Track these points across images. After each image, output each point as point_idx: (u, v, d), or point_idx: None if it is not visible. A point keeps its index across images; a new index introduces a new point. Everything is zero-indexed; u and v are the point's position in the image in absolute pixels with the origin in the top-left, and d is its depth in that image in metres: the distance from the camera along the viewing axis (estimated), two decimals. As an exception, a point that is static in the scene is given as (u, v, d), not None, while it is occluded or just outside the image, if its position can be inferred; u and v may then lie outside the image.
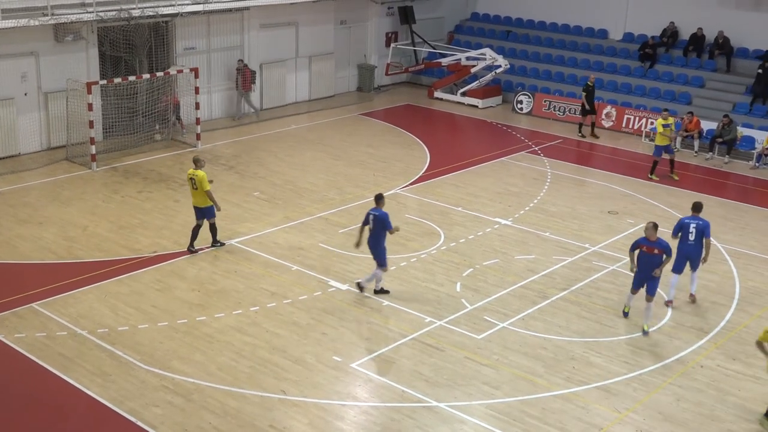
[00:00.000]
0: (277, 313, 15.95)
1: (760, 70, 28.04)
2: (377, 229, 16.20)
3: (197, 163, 18.22)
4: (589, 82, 29.15)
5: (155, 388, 13.40)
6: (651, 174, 24.72)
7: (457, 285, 17.37)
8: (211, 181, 18.37)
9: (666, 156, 24.70)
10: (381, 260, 16.42)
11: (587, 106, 29.02)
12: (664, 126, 24.45)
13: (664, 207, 22.42)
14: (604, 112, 30.24)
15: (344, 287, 17.02)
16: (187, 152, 25.57)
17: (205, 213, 18.39)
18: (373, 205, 16.53)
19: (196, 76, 25.97)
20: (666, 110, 25.99)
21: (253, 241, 19.22)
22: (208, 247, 18.63)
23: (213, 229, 18.67)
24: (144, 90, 26.06)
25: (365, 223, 16.42)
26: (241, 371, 13.95)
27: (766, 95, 28.43)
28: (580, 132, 29.20)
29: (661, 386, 14.03)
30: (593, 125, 29.31)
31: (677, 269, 16.55)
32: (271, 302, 16.35)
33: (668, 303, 16.72)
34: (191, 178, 18.11)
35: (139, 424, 12.49)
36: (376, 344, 14.94)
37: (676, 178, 24.67)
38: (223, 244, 18.79)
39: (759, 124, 27.81)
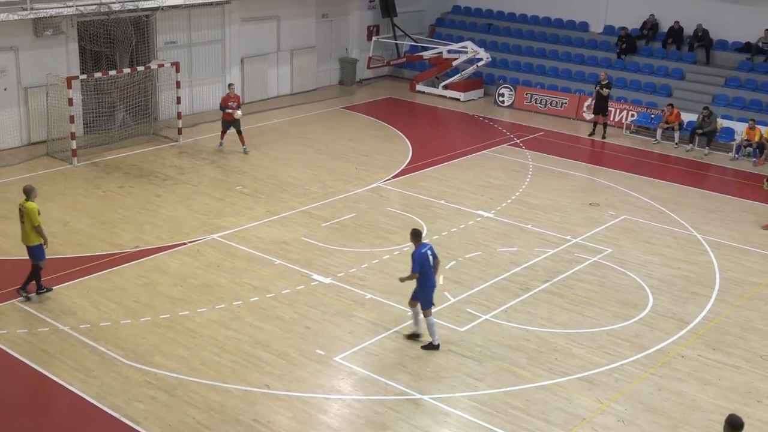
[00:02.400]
0: (260, 307, 15.94)
1: None
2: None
3: (28, 194, 15.66)
4: (600, 80, 28.23)
5: (138, 383, 13.38)
6: None
7: (439, 278, 17.40)
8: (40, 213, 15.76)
9: None
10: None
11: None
12: None
13: (646, 199, 22.56)
14: (585, 104, 30.34)
15: (327, 281, 17.03)
16: (168, 147, 25.49)
17: (31, 253, 15.65)
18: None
19: (177, 71, 25.86)
20: None
21: (235, 235, 19.19)
22: (24, 297, 15.85)
23: (35, 272, 15.80)
24: (125, 84, 25.92)
25: (428, 261, 14.43)
26: (224, 366, 13.95)
27: None
28: (593, 133, 28.41)
29: (642, 377, 14.13)
30: (604, 125, 28.31)
31: None
32: (254, 296, 16.35)
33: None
34: (20, 209, 15.63)
35: (122, 419, 12.47)
36: (360, 337, 14.97)
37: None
38: (50, 290, 16.04)
39: (738, 115, 28.00)
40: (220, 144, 25.54)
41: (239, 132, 25.11)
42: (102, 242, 18.59)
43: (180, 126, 26.09)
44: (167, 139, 26.15)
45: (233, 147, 25.67)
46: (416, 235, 14.45)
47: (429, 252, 14.35)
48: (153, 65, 26.01)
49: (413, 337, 14.89)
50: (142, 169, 23.46)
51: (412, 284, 16.25)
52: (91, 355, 14.12)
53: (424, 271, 14.28)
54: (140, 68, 25.49)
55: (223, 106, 25.00)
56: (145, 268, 17.43)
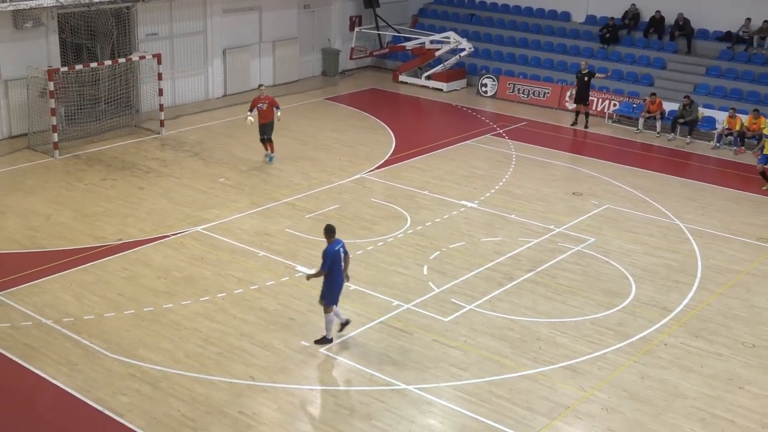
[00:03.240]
0: (245, 299, 15.92)
1: None
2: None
3: None
4: (581, 69, 28.42)
5: (122, 376, 13.35)
6: None
7: (423, 268, 17.45)
8: None
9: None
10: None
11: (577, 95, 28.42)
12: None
13: (628, 188, 22.66)
14: (568, 94, 30.41)
15: (311, 272, 17.00)
16: (150, 139, 25.38)
17: None
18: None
19: (159, 62, 25.73)
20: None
21: (219, 227, 19.15)
22: None
23: None
24: (106, 77, 25.79)
25: (339, 259, 14.07)
26: (208, 358, 13.93)
27: None
28: (576, 123, 28.50)
29: (625, 365, 14.22)
30: (586, 115, 28.38)
31: None
32: (239, 288, 16.32)
33: None
34: None
35: (107, 412, 12.44)
36: (344, 329, 14.97)
37: None
38: None
39: (719, 104, 28.15)
40: (270, 158, 23.48)
41: (270, 139, 23.46)
42: (85, 235, 18.51)
43: (162, 118, 25.98)
44: (149, 132, 26.03)
45: (215, 138, 25.59)
46: (329, 231, 13.99)
47: (341, 249, 13.95)
48: (134, 57, 25.87)
49: (343, 326, 14.55)
50: (125, 161, 23.35)
51: (396, 271, 16.34)
52: (75, 348, 14.07)
53: (333, 269, 13.87)
54: (121, 60, 25.34)
55: (253, 107, 23.18)
56: (128, 261, 17.37)
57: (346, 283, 14.44)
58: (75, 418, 12.41)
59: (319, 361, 14.01)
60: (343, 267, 14.09)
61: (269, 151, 23.49)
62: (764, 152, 23.45)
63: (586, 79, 28.04)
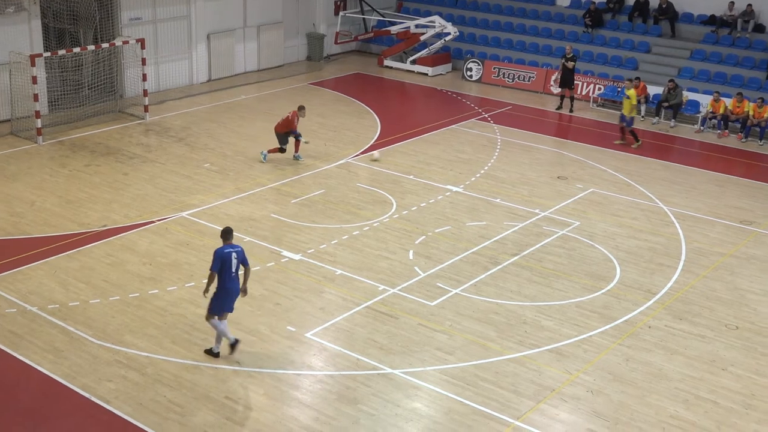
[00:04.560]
0: (230, 284, 15.90)
1: None
2: (238, 269, 13.29)
3: None
4: (566, 53, 28.44)
5: (108, 362, 13.33)
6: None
7: (409, 252, 17.48)
8: None
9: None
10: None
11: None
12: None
13: (613, 172, 22.74)
14: (553, 78, 30.44)
15: (297, 257, 17.03)
16: (134, 124, 25.26)
17: None
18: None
19: (143, 47, 25.59)
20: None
21: (204, 213, 19.11)
22: None
23: None
24: (90, 62, 25.63)
25: (229, 263, 13.11)
26: (194, 344, 13.93)
27: None
28: (561, 107, 28.67)
29: (610, 347, 14.31)
30: (572, 99, 28.52)
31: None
32: (224, 274, 16.29)
33: None
34: None
35: (93, 399, 12.43)
36: (330, 313, 15.01)
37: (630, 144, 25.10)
38: None
39: (704, 88, 28.23)
40: (298, 156, 22.59)
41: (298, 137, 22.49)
42: (69, 222, 18.44)
43: (146, 103, 25.84)
44: (133, 117, 25.90)
45: (200, 123, 25.50)
46: (224, 233, 13.27)
47: (234, 255, 13.02)
48: (118, 42, 25.71)
49: (233, 347, 13.46)
50: (109, 147, 23.24)
51: (382, 255, 16.38)
52: (60, 335, 14.04)
53: (223, 274, 12.99)
54: (105, 45, 25.18)
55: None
56: (113, 247, 17.32)
57: (251, 294, 13.61)
58: (61, 405, 12.39)
59: (305, 346, 14.04)
60: (241, 278, 13.20)
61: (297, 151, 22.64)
62: (623, 111, 24.85)
63: (571, 64, 28.08)
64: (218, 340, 13.55)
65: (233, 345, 13.47)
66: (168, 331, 14.28)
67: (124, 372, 13.10)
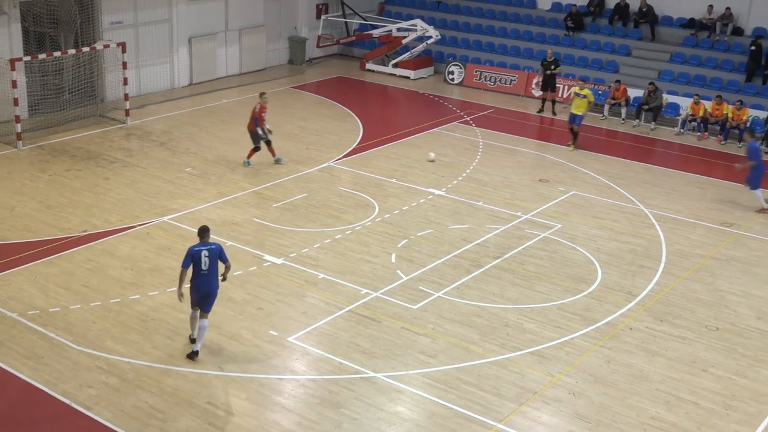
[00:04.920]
0: (212, 289, 15.85)
1: (753, 47, 28.08)
2: (214, 266, 13.46)
3: None
4: (547, 57, 28.62)
5: (89, 369, 13.26)
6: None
7: (392, 256, 17.49)
8: None
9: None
10: (212, 305, 13.71)
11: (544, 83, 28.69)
12: (576, 94, 24.84)
13: (594, 174, 22.84)
14: (534, 81, 30.55)
15: (279, 261, 17.00)
16: (115, 129, 25.15)
17: None
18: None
19: (124, 51, 25.49)
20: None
21: (186, 217, 19.04)
22: None
23: None
24: (70, 66, 25.51)
25: (200, 261, 13.33)
26: (176, 349, 13.87)
27: (754, 73, 28.44)
28: (542, 110, 28.65)
29: (592, 349, 14.37)
30: (553, 102, 28.64)
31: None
32: (206, 279, 16.24)
33: None
34: None
35: (74, 405, 12.36)
36: (313, 317, 14.99)
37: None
38: None
39: (683, 90, 28.42)
40: (280, 159, 22.58)
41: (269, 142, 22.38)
42: (49, 227, 18.33)
43: (127, 107, 25.74)
44: (114, 121, 25.79)
45: (181, 127, 25.42)
46: (199, 231, 13.58)
47: (205, 253, 13.23)
48: (98, 46, 25.60)
49: (193, 354, 13.58)
50: (90, 151, 23.13)
51: (364, 259, 16.38)
52: (41, 341, 13.95)
53: (193, 271, 13.24)
54: (85, 49, 25.07)
55: (261, 121, 21.90)
56: (94, 252, 17.23)
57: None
58: (41, 412, 12.31)
59: (287, 350, 14.01)
60: (209, 273, 13.31)
61: (275, 154, 22.55)
62: (572, 110, 24.75)
63: (552, 67, 28.22)
64: (198, 339, 13.60)
65: (191, 354, 13.57)
66: (149, 337, 14.21)
67: (105, 378, 13.03)
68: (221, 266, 13.59)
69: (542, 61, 28.82)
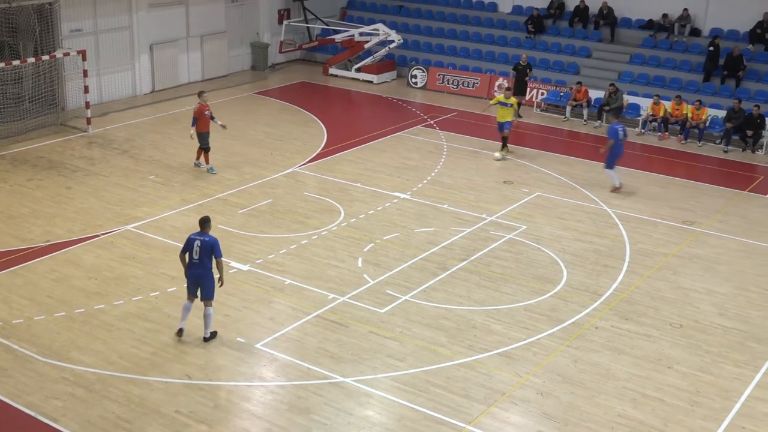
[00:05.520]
0: (179, 297, 15.74)
1: (711, 48, 28.47)
2: (204, 257, 13.90)
3: None
4: (520, 62, 28.75)
5: (54, 380, 13.11)
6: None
7: (358, 260, 17.50)
8: None
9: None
10: (211, 293, 14.16)
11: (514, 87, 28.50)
12: (501, 103, 24.27)
13: (556, 175, 23.03)
14: (497, 84, 30.74)
15: (245, 268, 16.94)
16: (77, 137, 24.91)
17: None
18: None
19: (84, 59, 25.26)
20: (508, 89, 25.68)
21: (150, 225, 18.91)
22: None
23: None
24: (30, 75, 25.21)
25: (192, 249, 13.93)
26: (143, 358, 13.77)
27: (712, 73, 28.77)
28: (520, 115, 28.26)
29: (558, 349, 14.48)
30: (519, 105, 27.99)
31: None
32: (172, 287, 16.15)
33: None
34: None
35: (40, 418, 12.21)
36: (280, 323, 14.95)
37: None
38: None
39: (643, 91, 28.76)
40: (212, 169, 22.33)
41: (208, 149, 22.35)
42: (11, 237, 18.11)
43: (89, 116, 25.51)
44: (76, 130, 25.54)
45: (144, 135, 25.24)
46: (200, 221, 14.07)
47: (198, 243, 13.74)
48: (58, 54, 25.35)
49: (179, 331, 14.33)
50: (51, 161, 22.88)
51: (330, 264, 16.37)
52: (4, 353, 13.77)
53: (189, 258, 13.84)
54: (45, 57, 24.81)
55: (200, 117, 21.77)
56: (57, 263, 17.05)
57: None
58: (5, 425, 12.15)
59: (255, 357, 13.96)
60: (200, 261, 13.77)
61: (208, 163, 22.44)
62: (498, 119, 24.38)
63: (528, 71, 28.38)
64: (205, 326, 14.24)
65: (178, 332, 14.32)
66: (115, 346, 14.09)
67: (71, 389, 12.90)
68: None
69: (516, 65, 28.91)
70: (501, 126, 24.42)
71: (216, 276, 14.01)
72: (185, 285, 14.31)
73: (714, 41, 28.49)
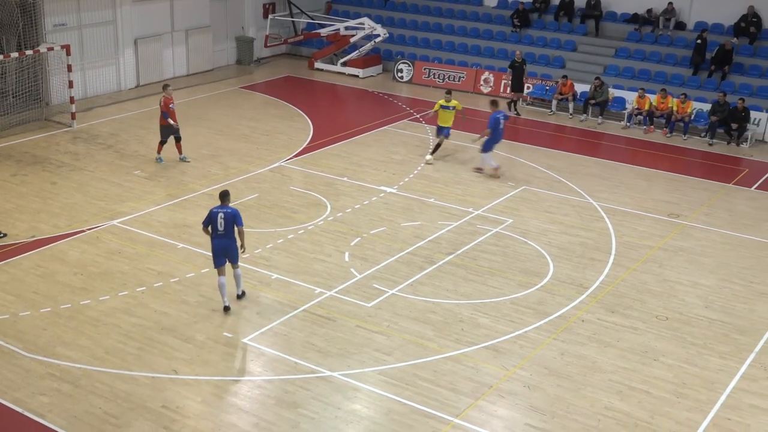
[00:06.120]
0: (165, 292, 15.72)
1: (698, 41, 28.50)
2: (229, 228, 14.79)
3: None
4: (516, 59, 28.61)
5: (41, 376, 13.06)
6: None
7: (345, 255, 17.49)
8: None
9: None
10: (237, 258, 15.17)
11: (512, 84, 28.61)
12: (443, 107, 23.37)
13: (543, 169, 23.08)
14: (482, 78, 30.78)
15: (232, 263, 16.90)
16: (61, 132, 24.78)
17: None
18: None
19: (68, 54, 25.12)
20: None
21: (136, 220, 18.84)
22: None
23: None
24: (13, 69, 25.05)
25: (208, 224, 14.86)
26: (129, 353, 13.73)
27: (700, 66, 28.87)
28: (512, 110, 28.22)
29: (545, 342, 14.53)
30: (515, 102, 28.47)
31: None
32: (158, 282, 16.11)
33: None
34: None
35: (26, 414, 12.16)
36: (267, 318, 14.94)
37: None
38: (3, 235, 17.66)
39: (629, 85, 28.85)
40: (185, 158, 22.68)
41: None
42: (-4, 233, 18.01)
43: (73, 111, 25.38)
44: (60, 125, 25.40)
45: (129, 130, 25.13)
46: (220, 195, 15.05)
47: (221, 215, 14.68)
48: (42, 49, 25.18)
49: (226, 309, 15.16)
50: (36, 156, 22.75)
51: (317, 258, 16.36)
52: (-10, 349, 13.72)
53: (213, 231, 14.83)
54: (29, 52, 24.65)
55: (168, 111, 22.04)
56: (42, 258, 16.97)
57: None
58: (-8, 421, 12.12)
59: (242, 351, 13.95)
60: (224, 233, 14.74)
61: (182, 153, 22.68)
62: (439, 123, 23.43)
63: (524, 68, 28.32)
64: (237, 285, 15.42)
65: (225, 308, 15.14)
66: (101, 342, 14.04)
67: (58, 385, 12.84)
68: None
69: (512, 62, 28.73)
70: (440, 130, 23.50)
71: (238, 243, 14.90)
72: (211, 257, 15.09)
73: (702, 34, 28.55)
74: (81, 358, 13.55)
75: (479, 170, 22.47)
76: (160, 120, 22.24)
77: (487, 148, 22.28)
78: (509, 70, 28.84)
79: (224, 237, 14.76)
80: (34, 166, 21.96)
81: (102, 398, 12.55)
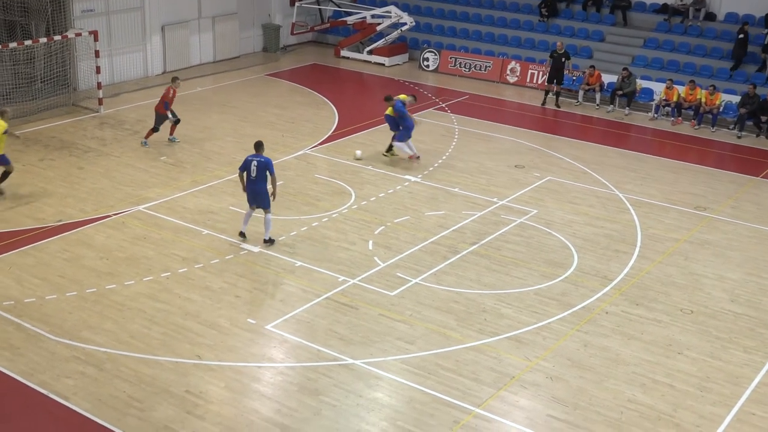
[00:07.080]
0: (189, 278, 15.81)
1: (740, 35, 28.01)
2: (260, 175, 16.61)
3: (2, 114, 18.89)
4: (557, 49, 28.03)
5: (66, 359, 13.19)
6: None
7: (369, 243, 17.50)
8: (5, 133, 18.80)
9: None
10: (268, 204, 16.94)
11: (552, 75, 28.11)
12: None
13: (569, 160, 22.95)
14: (509, 67, 30.63)
15: (256, 249, 16.97)
16: (88, 118, 24.95)
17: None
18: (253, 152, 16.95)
19: (96, 39, 25.26)
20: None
21: (161, 206, 18.95)
22: None
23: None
24: (42, 55, 25.23)
25: (250, 168, 16.68)
26: (153, 338, 13.83)
27: (742, 59, 28.47)
28: (546, 102, 28.11)
29: (568, 333, 14.48)
30: (558, 94, 28.18)
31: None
32: (183, 267, 16.20)
33: None
34: None
35: (51, 396, 12.29)
36: (291, 305, 14.99)
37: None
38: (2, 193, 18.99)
39: (657, 76, 28.60)
40: (175, 139, 23.19)
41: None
42: (23, 217, 18.17)
43: (100, 96, 25.55)
44: (88, 110, 25.58)
45: (153, 116, 25.23)
46: (255, 145, 16.94)
47: (255, 163, 16.49)
48: (70, 34, 25.34)
49: (241, 234, 17.23)
50: (63, 141, 22.93)
51: (341, 246, 16.41)
52: (16, 332, 13.86)
53: (247, 176, 16.63)
54: (57, 38, 24.81)
55: (171, 103, 22.63)
56: (69, 242, 17.11)
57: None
58: (18, 403, 12.23)
59: (265, 338, 14.01)
60: (256, 178, 16.54)
61: (173, 134, 23.28)
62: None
63: (563, 60, 27.90)
64: (266, 230, 17.00)
65: (241, 233, 17.23)
66: (126, 326, 14.16)
67: (83, 368, 12.97)
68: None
69: (552, 52, 28.29)
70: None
71: (270, 190, 16.65)
72: (246, 199, 16.95)
73: (743, 28, 28.06)
74: (106, 342, 13.67)
75: (412, 157, 22.19)
76: (158, 108, 22.51)
77: (401, 137, 22.03)
78: (549, 60, 28.39)
79: (256, 183, 16.53)
80: (61, 151, 22.14)
81: (126, 382, 12.66)
